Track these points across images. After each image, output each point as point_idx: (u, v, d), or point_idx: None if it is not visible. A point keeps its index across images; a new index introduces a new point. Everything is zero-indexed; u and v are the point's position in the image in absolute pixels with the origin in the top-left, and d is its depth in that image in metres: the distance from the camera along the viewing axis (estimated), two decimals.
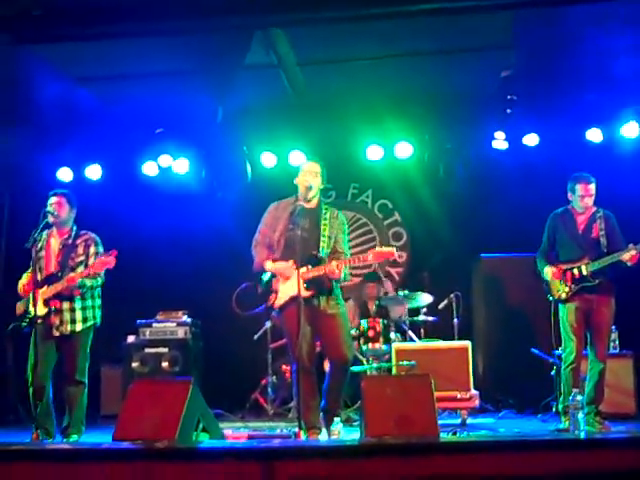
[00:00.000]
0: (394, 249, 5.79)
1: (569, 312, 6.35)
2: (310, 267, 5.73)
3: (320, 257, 5.80)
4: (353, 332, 7.50)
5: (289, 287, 5.74)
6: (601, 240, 6.36)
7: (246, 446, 4.84)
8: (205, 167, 9.10)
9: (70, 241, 6.27)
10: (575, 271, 6.33)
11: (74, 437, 6.05)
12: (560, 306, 6.45)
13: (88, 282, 6.14)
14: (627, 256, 6.14)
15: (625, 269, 6.24)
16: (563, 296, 6.38)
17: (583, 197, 6.41)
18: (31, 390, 5.98)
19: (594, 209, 6.49)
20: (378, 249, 5.79)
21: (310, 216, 5.90)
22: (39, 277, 6.18)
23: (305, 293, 5.68)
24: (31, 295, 6.01)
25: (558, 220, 6.60)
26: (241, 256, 8.28)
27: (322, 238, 5.87)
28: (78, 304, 6.18)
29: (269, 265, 5.89)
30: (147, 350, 8.38)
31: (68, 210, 6.31)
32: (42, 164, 8.92)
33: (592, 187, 6.42)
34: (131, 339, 8.46)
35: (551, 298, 6.50)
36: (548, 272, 6.43)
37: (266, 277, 5.92)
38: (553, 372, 7.23)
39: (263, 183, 8.96)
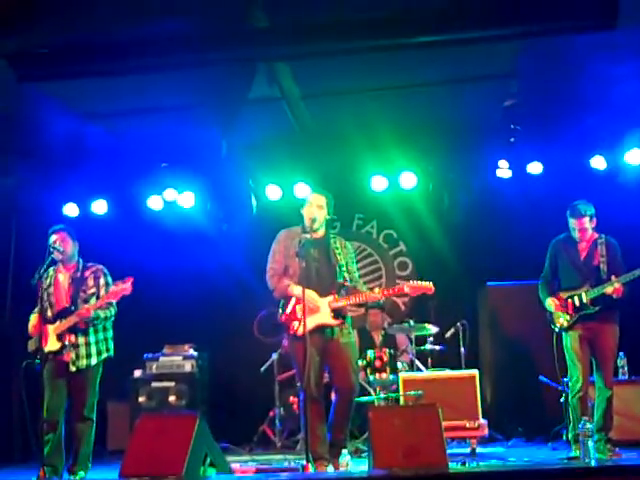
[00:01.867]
0: (431, 284, 5.82)
1: (573, 340, 6.31)
2: (337, 296, 5.78)
3: (347, 286, 5.86)
4: (360, 362, 7.47)
5: (315, 316, 5.73)
6: (601, 267, 6.33)
7: None
8: (210, 200, 9.13)
9: (79, 274, 6.29)
10: (575, 299, 6.31)
11: (81, 474, 6.00)
12: (563, 335, 6.41)
13: (102, 314, 6.14)
14: (610, 289, 6.14)
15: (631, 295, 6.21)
16: (565, 325, 6.35)
17: (575, 231, 6.43)
18: (45, 426, 5.95)
19: (596, 235, 6.47)
20: (414, 282, 5.85)
21: (319, 247, 5.93)
22: (49, 313, 6.19)
23: (333, 322, 5.78)
24: (41, 332, 6.00)
25: (560, 246, 6.58)
26: (247, 288, 8.32)
27: (340, 267, 5.91)
28: (92, 338, 6.19)
29: (296, 290, 5.80)
30: (154, 384, 8.35)
31: (72, 244, 6.35)
32: (48, 199, 8.97)
33: (585, 221, 6.40)
34: (138, 373, 8.44)
35: (554, 327, 6.45)
36: (550, 304, 6.41)
37: (288, 307, 5.91)
38: (562, 399, 7.17)
39: (268, 216, 8.97)
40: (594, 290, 6.25)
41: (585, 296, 6.27)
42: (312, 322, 5.68)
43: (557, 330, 6.43)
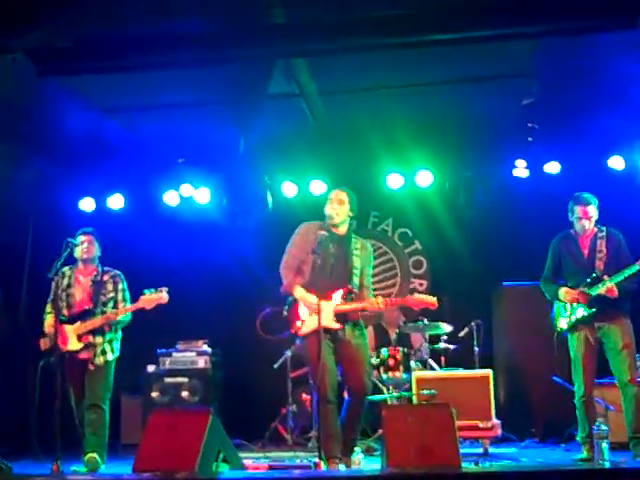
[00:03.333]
0: (435, 299, 5.81)
1: (577, 341, 6.18)
2: (343, 300, 5.76)
3: (355, 292, 5.82)
4: (373, 360, 7.46)
5: (316, 318, 5.69)
6: (597, 263, 6.16)
7: (266, 477, 4.83)
8: (226, 196, 9.14)
9: (99, 278, 6.45)
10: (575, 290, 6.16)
11: (97, 458, 6.05)
12: (568, 336, 6.27)
13: (122, 318, 6.35)
14: (603, 290, 6.00)
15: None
16: (565, 326, 6.22)
17: (580, 219, 6.26)
18: (77, 421, 6.27)
19: (596, 229, 6.31)
20: (418, 296, 5.83)
21: (338, 244, 5.89)
22: (66, 312, 6.32)
23: (334, 325, 5.74)
24: (57, 330, 6.04)
25: (561, 245, 6.43)
26: (261, 285, 8.31)
27: (354, 270, 5.87)
28: (108, 337, 6.37)
29: (298, 292, 5.84)
30: (167, 380, 8.36)
31: (97, 248, 6.53)
32: (65, 194, 9.02)
33: (591, 209, 6.26)
34: (151, 369, 8.45)
35: (555, 329, 6.32)
36: (564, 294, 6.20)
37: (291, 302, 5.92)
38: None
39: (284, 212, 8.98)
40: (590, 290, 6.08)
41: (582, 298, 6.12)
42: (315, 323, 5.59)
43: (558, 331, 6.29)
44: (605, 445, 4.92)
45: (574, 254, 6.32)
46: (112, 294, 6.40)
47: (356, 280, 5.86)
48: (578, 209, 6.29)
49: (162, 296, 6.15)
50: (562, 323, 6.26)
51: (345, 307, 5.76)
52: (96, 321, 6.22)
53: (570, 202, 6.40)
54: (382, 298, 5.78)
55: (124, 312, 6.27)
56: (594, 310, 6.07)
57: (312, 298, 5.70)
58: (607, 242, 6.24)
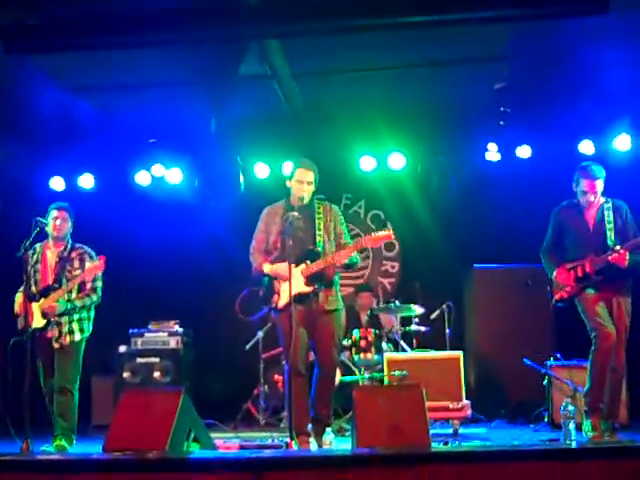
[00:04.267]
0: (390, 230, 5.80)
1: (587, 300, 5.96)
2: (309, 262, 5.78)
3: (318, 251, 5.84)
4: (345, 342, 7.50)
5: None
6: (608, 234, 5.98)
7: (237, 456, 4.83)
8: (198, 177, 9.11)
9: (66, 254, 6.32)
10: (578, 270, 6.01)
11: (65, 445, 6.03)
12: (576, 302, 6.06)
13: (79, 303, 6.21)
14: (614, 256, 5.81)
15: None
16: (565, 295, 6.06)
17: (585, 193, 6.08)
18: (47, 399, 6.17)
19: (602, 200, 6.14)
20: (373, 235, 5.83)
21: (304, 214, 5.91)
22: (34, 289, 6.20)
23: (306, 289, 5.77)
24: (25, 307, 5.99)
25: (564, 215, 6.25)
26: (233, 266, 8.31)
27: (317, 232, 5.92)
28: (75, 316, 6.24)
29: (267, 268, 5.93)
30: (139, 360, 8.35)
31: (69, 224, 6.38)
32: (34, 173, 8.94)
33: (598, 183, 6.06)
34: (122, 349, 8.43)
35: (553, 301, 6.22)
36: (556, 275, 6.12)
37: (266, 280, 5.95)
38: (545, 382, 7.24)
39: (256, 193, 8.95)
40: (599, 259, 5.93)
41: (588, 265, 5.97)
42: (288, 293, 5.59)
43: (555, 302, 6.19)
44: (572, 425, 4.99)
45: (578, 225, 6.15)
46: (78, 271, 6.21)
47: (321, 242, 5.89)
48: (584, 182, 6.10)
49: (97, 264, 6.01)
50: (562, 292, 6.10)
51: (312, 269, 5.78)
52: (54, 296, 6.08)
53: (576, 173, 6.21)
54: (334, 252, 5.79)
55: (63, 292, 6.08)
56: (601, 277, 5.92)
57: (281, 266, 5.77)
58: (614, 212, 6.08)
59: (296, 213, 5.77)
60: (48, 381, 6.20)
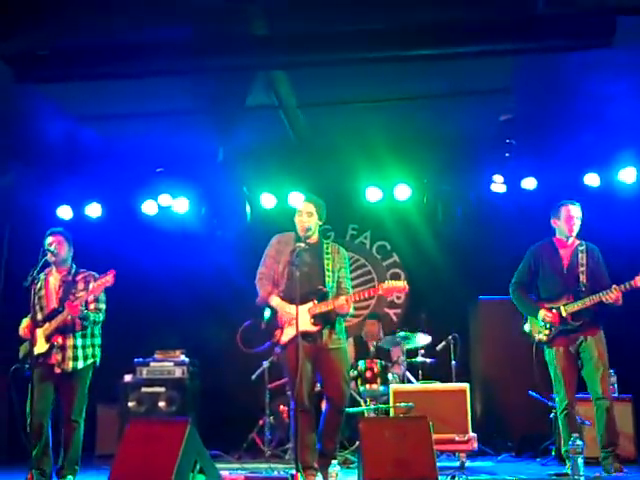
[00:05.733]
0: (404, 283, 5.81)
1: (556, 355, 6.11)
2: (316, 302, 5.78)
3: (326, 292, 5.84)
4: (351, 372, 7.47)
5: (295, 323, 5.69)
6: (581, 278, 6.09)
7: None
8: (205, 206, 9.15)
9: (70, 278, 6.28)
10: (554, 311, 6.09)
11: (69, 478, 5.98)
12: (546, 349, 6.21)
13: (92, 316, 6.14)
14: (611, 296, 5.86)
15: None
16: (544, 338, 6.15)
17: (570, 219, 6.18)
18: (29, 430, 5.89)
19: (577, 242, 6.25)
20: (387, 283, 5.83)
21: (311, 252, 5.92)
22: (40, 316, 6.15)
23: (312, 328, 5.76)
24: (31, 336, 5.95)
25: (541, 252, 6.32)
26: (240, 296, 8.30)
27: (327, 272, 5.90)
28: (79, 341, 6.16)
29: (274, 301, 5.89)
30: (144, 389, 8.32)
31: (67, 248, 6.33)
32: (42, 201, 8.98)
33: (578, 209, 6.21)
34: (128, 378, 8.40)
35: (533, 341, 6.27)
36: (546, 317, 6.12)
37: (267, 314, 5.93)
38: (552, 415, 7.19)
39: (262, 224, 8.99)
40: (574, 304, 6.04)
41: (564, 310, 6.07)
42: (294, 330, 5.63)
43: (536, 343, 6.23)
44: (580, 460, 4.96)
45: (553, 263, 6.23)
46: (82, 293, 6.10)
47: (330, 283, 5.89)
48: (565, 209, 6.21)
49: (107, 279, 5.95)
50: (541, 335, 6.18)
51: (319, 309, 5.78)
52: (59, 318, 6.01)
53: (553, 210, 6.32)
54: (345, 296, 5.79)
55: (81, 302, 5.97)
56: (578, 325, 6.03)
57: (289, 307, 5.76)
58: (587, 255, 6.19)
59: (303, 244, 5.80)
60: (40, 410, 5.94)
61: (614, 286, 5.92)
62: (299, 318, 5.52)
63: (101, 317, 6.25)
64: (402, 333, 7.96)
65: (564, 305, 6.09)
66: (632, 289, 5.91)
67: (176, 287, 9.18)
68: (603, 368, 6.02)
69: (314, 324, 5.77)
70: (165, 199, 9.12)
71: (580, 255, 6.18)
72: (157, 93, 7.42)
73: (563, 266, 6.22)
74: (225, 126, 8.11)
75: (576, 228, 6.23)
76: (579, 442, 5.08)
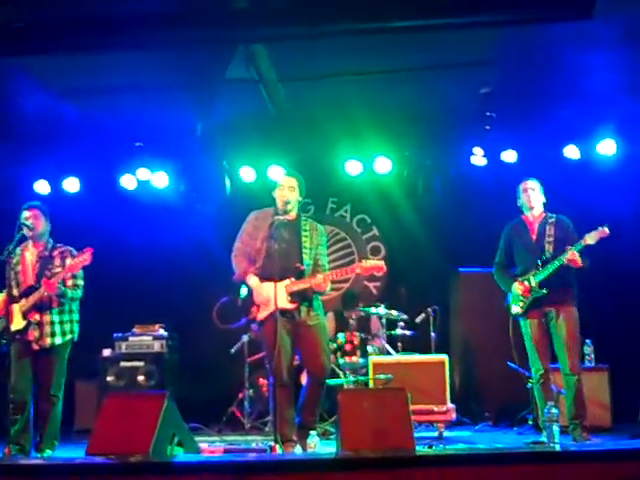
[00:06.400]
0: (382, 262, 5.82)
1: (530, 327, 6.31)
2: (294, 279, 5.77)
3: (304, 269, 5.85)
4: (331, 345, 7.50)
5: (272, 301, 5.70)
6: (546, 247, 6.32)
7: (221, 460, 4.83)
8: (184, 181, 9.10)
9: (47, 253, 6.25)
10: (526, 283, 6.31)
11: (48, 452, 6.00)
12: (521, 321, 6.40)
13: (69, 292, 6.11)
14: (565, 258, 6.10)
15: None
16: (520, 311, 6.34)
17: (525, 191, 6.47)
18: (12, 406, 5.90)
19: (545, 214, 6.49)
20: (366, 262, 5.83)
21: (289, 228, 5.94)
22: (16, 292, 6.12)
23: (289, 305, 5.78)
24: (7, 311, 5.92)
25: (513, 230, 6.60)
26: (219, 269, 8.28)
27: (304, 250, 5.92)
28: (57, 317, 6.16)
29: (252, 280, 5.90)
30: (123, 364, 8.31)
31: (44, 223, 6.29)
32: (19, 176, 8.89)
33: (533, 182, 6.48)
34: (107, 353, 8.39)
35: (510, 314, 6.46)
36: (518, 288, 6.33)
37: (244, 292, 5.94)
38: (529, 385, 7.25)
39: (242, 197, 8.97)
40: (539, 272, 6.24)
41: (532, 279, 6.27)
42: (271, 307, 5.67)
43: (513, 316, 6.43)
44: (556, 428, 5.01)
45: (524, 239, 6.48)
46: (59, 269, 6.08)
47: (307, 260, 5.90)
48: (521, 186, 6.54)
49: (85, 257, 5.91)
50: (516, 308, 6.37)
51: (296, 287, 5.80)
52: (36, 295, 5.99)
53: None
54: (322, 274, 5.81)
55: (58, 280, 5.95)
56: (545, 292, 6.21)
57: (266, 285, 5.77)
58: (556, 227, 6.39)
59: (282, 217, 5.80)
60: (20, 387, 6.00)
61: (567, 246, 6.14)
62: (277, 295, 5.52)
63: (79, 293, 6.22)
64: (382, 306, 7.98)
65: (533, 275, 6.27)
66: (585, 247, 6.14)
67: (155, 261, 9.15)
68: (571, 345, 6.21)
69: (291, 301, 5.79)
70: (144, 173, 9.05)
71: (548, 227, 6.41)
72: (135, 66, 7.32)
73: (532, 240, 6.44)
74: (204, 100, 8.04)
75: (534, 199, 6.48)
76: (554, 410, 5.14)
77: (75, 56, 6.88)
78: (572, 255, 6.08)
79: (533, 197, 6.47)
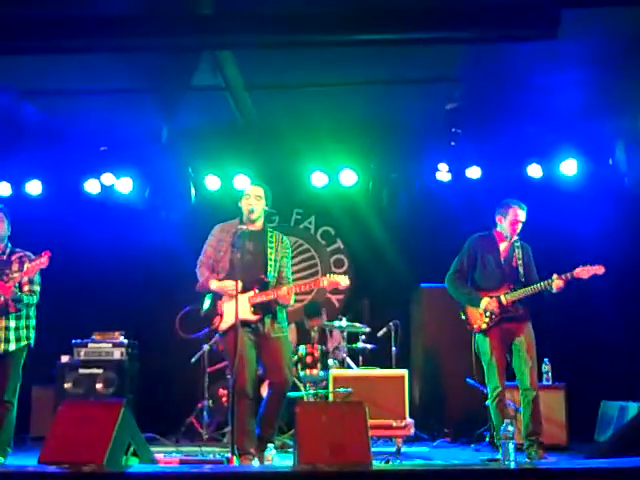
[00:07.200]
0: (346, 278, 5.81)
1: (490, 344, 6.28)
2: (257, 291, 5.76)
3: (268, 282, 5.82)
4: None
5: (234, 310, 5.67)
6: (519, 270, 6.36)
7: (176, 471, 4.78)
8: (149, 187, 9.04)
9: (4, 257, 6.16)
10: (498, 300, 6.30)
11: (0, 458, 5.89)
12: (479, 337, 6.37)
13: (25, 298, 6.02)
14: (556, 285, 6.11)
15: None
16: (484, 327, 6.31)
17: (515, 223, 6.40)
18: None
19: (515, 238, 6.48)
20: (331, 277, 5.82)
21: (255, 239, 5.93)
22: None
23: (252, 317, 5.76)
24: None
25: (480, 243, 6.52)
26: (183, 277, 8.23)
27: (269, 262, 5.90)
28: (12, 323, 6.07)
29: (214, 284, 5.88)
30: (81, 371, 8.20)
31: (5, 226, 6.20)
32: None
33: (524, 213, 6.43)
34: (65, 359, 8.27)
35: (472, 329, 6.43)
36: (490, 305, 6.28)
37: (206, 304, 5.91)
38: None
39: (207, 205, 8.94)
40: (514, 293, 6.26)
41: (504, 298, 6.27)
42: (232, 317, 5.62)
43: (473, 332, 6.41)
44: (511, 445, 5.03)
45: (492, 255, 6.45)
46: (17, 274, 5.99)
47: (272, 272, 5.89)
48: (513, 211, 6.42)
49: (42, 261, 5.82)
50: (480, 323, 6.33)
51: (259, 299, 5.78)
52: None
53: (502, 206, 6.51)
54: (287, 287, 5.79)
55: (14, 283, 5.88)
56: (517, 313, 6.27)
57: (229, 283, 5.74)
58: (522, 251, 6.45)
59: (245, 227, 5.78)
60: None
61: (555, 275, 6.13)
62: (239, 307, 5.50)
63: (35, 299, 6.14)
64: (344, 319, 7.98)
65: (505, 294, 6.28)
66: (572, 279, 6.15)
67: (118, 268, 9.06)
68: (532, 361, 6.24)
69: (254, 313, 5.77)
70: (108, 178, 8.98)
71: (517, 250, 6.44)
72: (101, 70, 7.27)
73: (501, 258, 6.44)
74: (170, 105, 8.00)
75: (519, 231, 6.46)
76: (510, 428, 5.16)
77: (38, 57, 6.80)
78: (561, 284, 6.10)
79: (519, 229, 6.45)
